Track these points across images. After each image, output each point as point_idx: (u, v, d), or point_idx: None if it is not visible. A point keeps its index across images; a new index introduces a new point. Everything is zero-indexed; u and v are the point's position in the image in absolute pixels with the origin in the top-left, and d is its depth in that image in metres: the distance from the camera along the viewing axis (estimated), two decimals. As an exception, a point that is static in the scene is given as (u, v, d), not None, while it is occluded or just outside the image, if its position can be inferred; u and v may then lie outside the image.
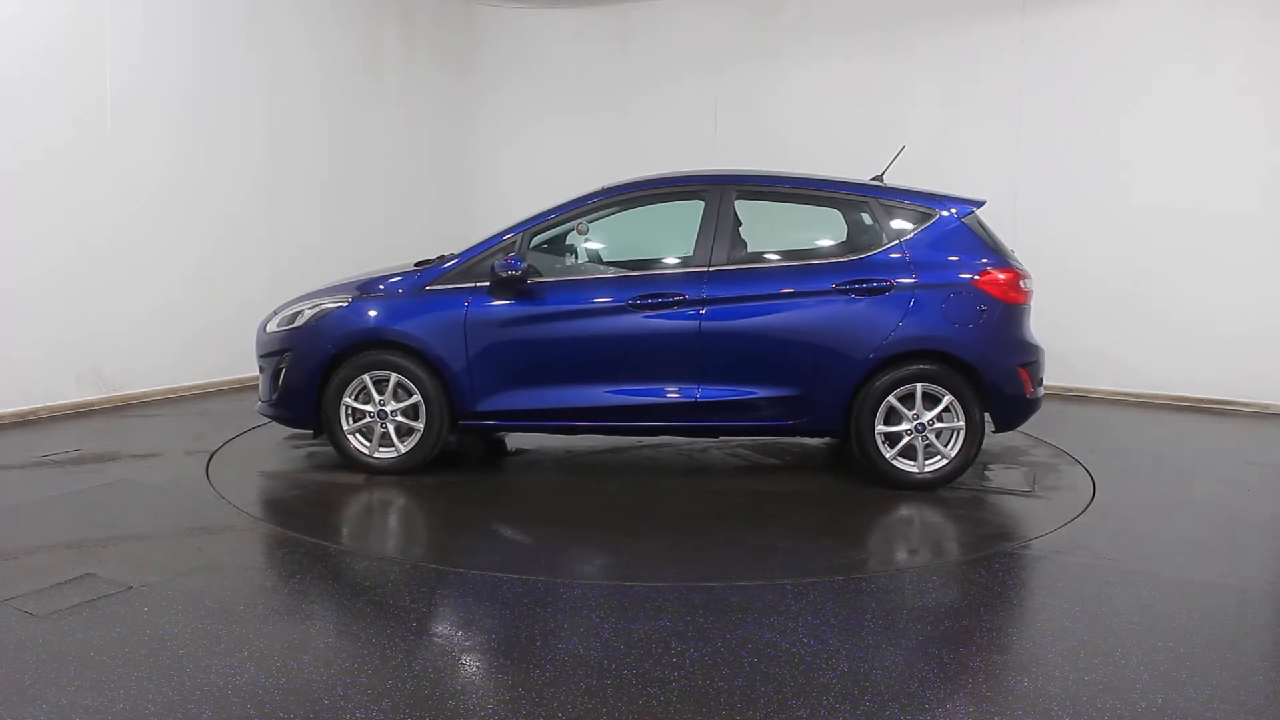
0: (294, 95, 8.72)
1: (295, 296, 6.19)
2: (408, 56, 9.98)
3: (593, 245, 6.26)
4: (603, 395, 5.59)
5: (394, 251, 8.63)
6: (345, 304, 5.74)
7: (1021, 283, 5.54)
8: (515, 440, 6.62)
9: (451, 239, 7.32)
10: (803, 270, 5.59)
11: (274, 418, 5.93)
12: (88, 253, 7.15)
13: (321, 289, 6.08)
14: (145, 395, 7.59)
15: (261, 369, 5.97)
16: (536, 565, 4.32)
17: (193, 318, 7.93)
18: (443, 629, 3.67)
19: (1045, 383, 5.87)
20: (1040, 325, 6.06)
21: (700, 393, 5.54)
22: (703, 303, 5.49)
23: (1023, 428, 6.02)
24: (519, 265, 5.48)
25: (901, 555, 4.71)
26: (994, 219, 6.36)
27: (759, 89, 9.66)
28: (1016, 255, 5.80)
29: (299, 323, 5.79)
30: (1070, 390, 8.46)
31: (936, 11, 8.92)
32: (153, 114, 7.52)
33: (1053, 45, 8.51)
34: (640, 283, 5.63)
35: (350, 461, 5.74)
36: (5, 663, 3.27)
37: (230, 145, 8.17)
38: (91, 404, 7.23)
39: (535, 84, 10.63)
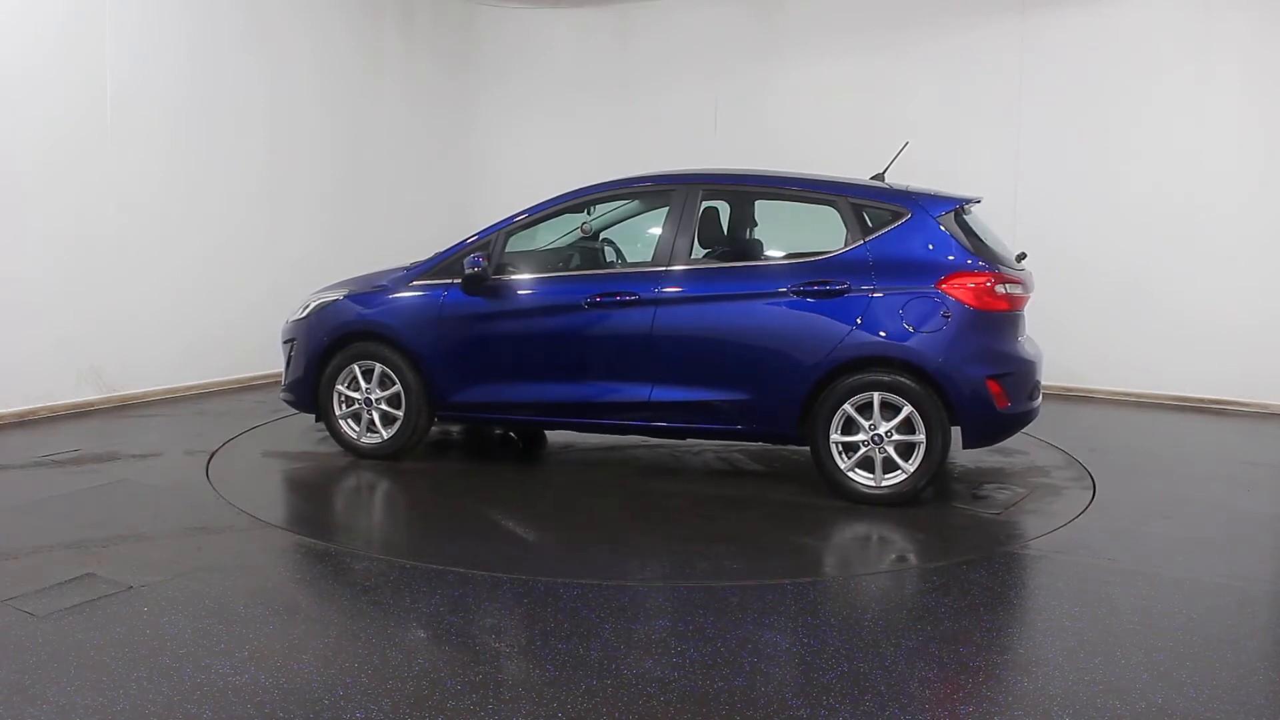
0: (294, 95, 8.71)
1: (314, 290, 6.51)
2: (407, 56, 9.98)
3: (572, 243, 6.33)
4: (562, 391, 5.66)
5: (395, 250, 8.62)
6: (341, 297, 6.09)
7: (999, 288, 5.15)
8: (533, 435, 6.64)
9: (452, 237, 7.30)
10: (760, 271, 5.50)
11: (286, 402, 6.28)
12: (87, 253, 7.14)
13: (333, 284, 6.39)
14: (145, 395, 7.59)
15: (283, 356, 6.35)
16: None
17: (193, 317, 7.92)
18: (443, 629, 3.67)
19: (1045, 383, 5.80)
20: (1041, 325, 6.05)
21: (653, 393, 5.49)
22: (656, 302, 5.45)
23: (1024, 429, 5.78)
24: (480, 263, 5.61)
25: (765, 571, 4.34)
26: (994, 219, 6.35)
27: (759, 89, 9.66)
28: (1020, 258, 5.62)
29: (304, 314, 6.16)
30: (1070, 390, 8.45)
31: (936, 12, 8.92)
32: (153, 114, 7.52)
33: (1052, 45, 8.50)
34: (599, 281, 5.69)
35: (341, 444, 6.04)
36: (5, 663, 3.27)
37: (230, 145, 8.16)
38: (91, 404, 7.23)
39: (535, 83, 10.62)
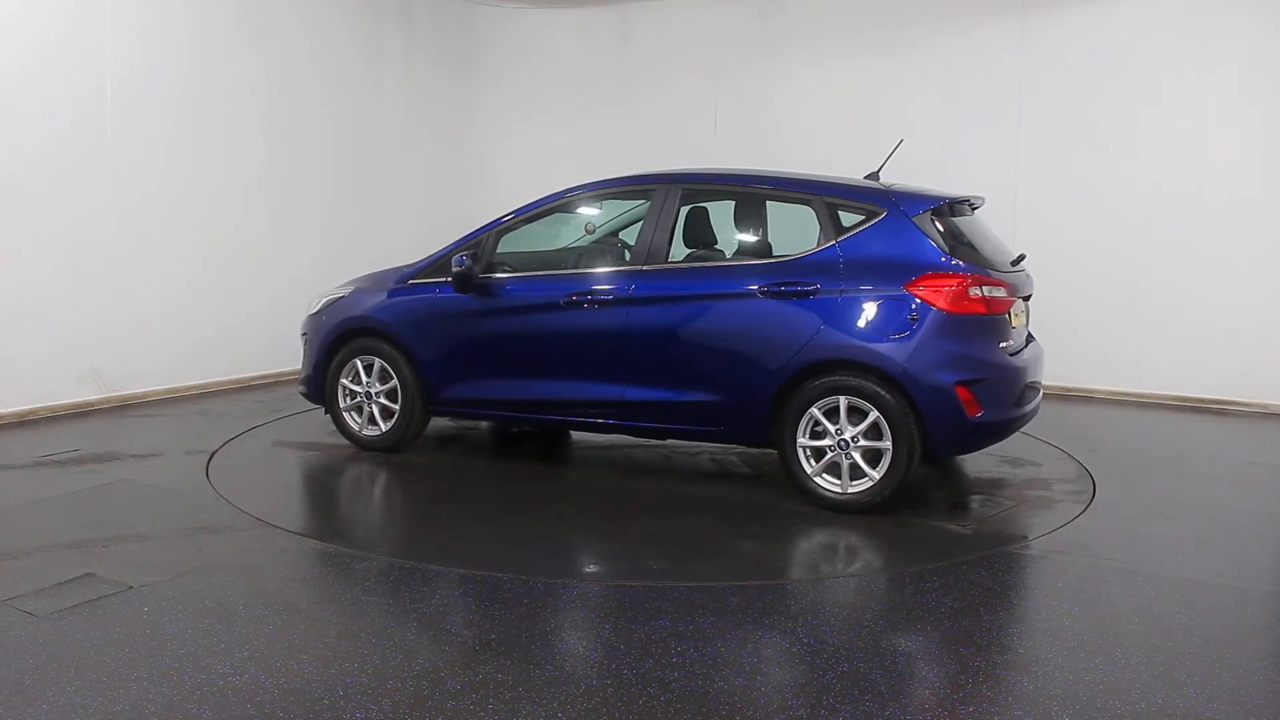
0: (294, 95, 8.71)
1: (336, 285, 6.69)
2: (407, 56, 9.98)
3: (592, 243, 6.33)
4: (542, 389, 5.72)
5: (395, 249, 8.64)
6: (347, 294, 6.27)
7: (974, 290, 4.93)
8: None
9: (451, 236, 7.32)
10: (731, 271, 5.43)
11: (301, 394, 6.48)
12: (88, 252, 7.14)
13: (347, 280, 6.60)
14: (145, 395, 7.59)
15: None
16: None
17: (193, 318, 7.93)
18: (443, 629, 3.67)
19: (1045, 383, 5.77)
20: (1041, 324, 6.05)
21: (627, 392, 5.49)
22: (629, 302, 5.46)
23: (1024, 428, 5.62)
24: (464, 262, 5.71)
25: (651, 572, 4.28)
26: (994, 219, 6.35)
27: (759, 89, 9.66)
28: (1017, 260, 5.52)
29: (315, 309, 6.40)
30: (1070, 390, 8.46)
31: (937, 12, 8.92)
32: (153, 114, 7.52)
33: (1052, 45, 8.50)
34: (577, 280, 5.72)
35: (345, 436, 6.26)
36: (5, 663, 3.27)
37: (230, 144, 8.16)
38: (91, 404, 7.23)
39: (535, 83, 10.63)
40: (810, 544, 4.86)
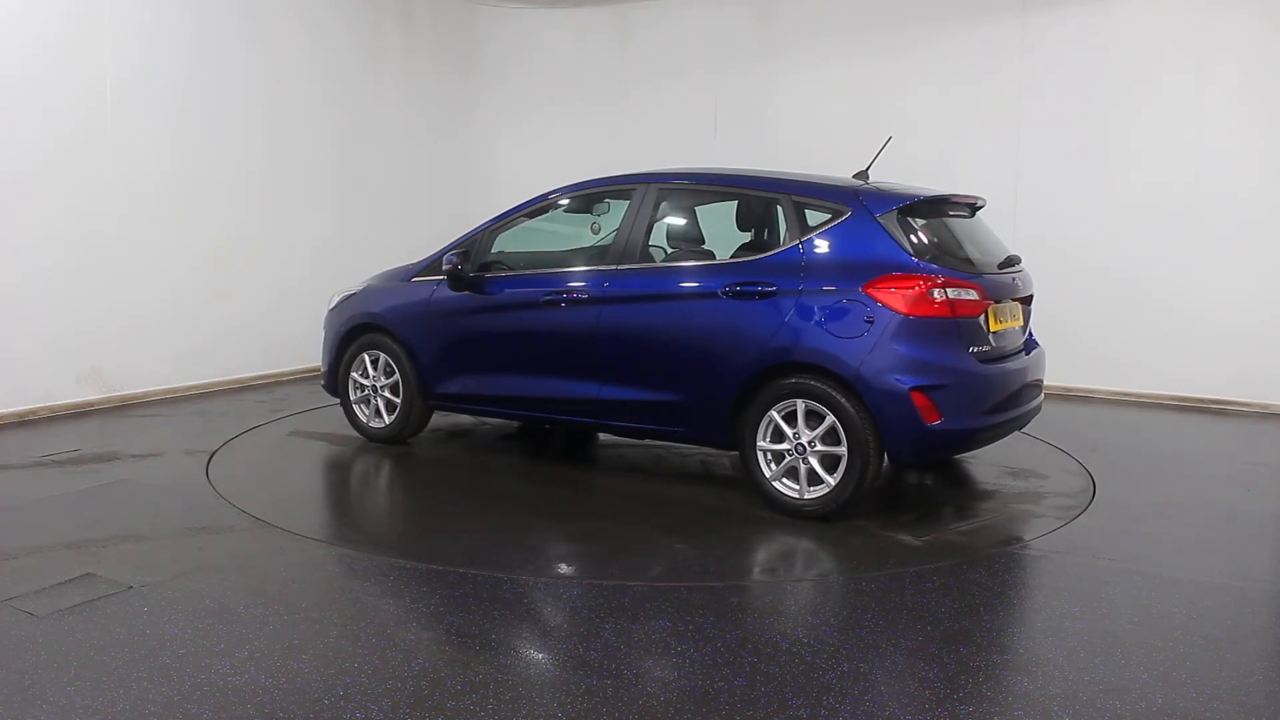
0: (294, 94, 8.71)
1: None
2: (407, 55, 9.98)
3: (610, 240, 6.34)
4: (524, 386, 5.81)
5: (394, 249, 8.64)
6: (360, 290, 6.46)
7: (935, 292, 4.73)
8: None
9: (451, 235, 7.33)
10: (697, 271, 5.37)
11: (323, 388, 6.68)
12: (87, 252, 7.14)
13: (368, 277, 6.77)
14: (145, 395, 7.59)
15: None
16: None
17: (193, 318, 7.92)
18: (443, 629, 3.67)
19: (1046, 383, 5.75)
20: (1041, 324, 6.04)
21: (600, 391, 5.52)
22: (601, 301, 5.49)
23: (1024, 428, 5.63)
24: (453, 261, 5.83)
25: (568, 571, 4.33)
26: (994, 219, 6.35)
27: (759, 89, 9.66)
28: (1007, 263, 5.40)
29: (332, 306, 6.64)
30: (1070, 390, 8.46)
31: (937, 12, 8.92)
32: (153, 113, 7.52)
33: (1052, 46, 8.50)
34: (557, 279, 5.77)
35: (355, 428, 6.47)
36: (5, 663, 3.27)
37: (230, 144, 8.16)
38: (91, 404, 7.23)
39: (535, 83, 10.63)
40: (747, 552, 4.70)
